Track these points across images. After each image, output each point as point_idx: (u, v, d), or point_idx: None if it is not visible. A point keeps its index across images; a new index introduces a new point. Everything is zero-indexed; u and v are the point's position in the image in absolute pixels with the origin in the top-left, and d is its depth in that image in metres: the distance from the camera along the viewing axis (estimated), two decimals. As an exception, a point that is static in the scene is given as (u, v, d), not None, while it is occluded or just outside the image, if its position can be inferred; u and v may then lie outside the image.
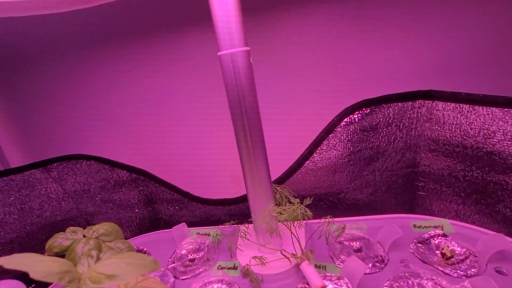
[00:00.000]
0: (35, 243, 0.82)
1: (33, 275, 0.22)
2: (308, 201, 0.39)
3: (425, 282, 0.35)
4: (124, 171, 0.79)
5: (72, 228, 0.46)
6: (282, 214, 0.37)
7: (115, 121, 0.86)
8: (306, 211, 0.38)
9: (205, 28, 0.72)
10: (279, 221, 0.37)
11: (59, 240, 0.41)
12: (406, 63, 0.68)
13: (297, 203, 0.39)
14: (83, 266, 0.30)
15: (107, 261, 0.27)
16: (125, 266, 0.27)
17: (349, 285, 0.37)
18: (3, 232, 0.76)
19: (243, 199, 0.72)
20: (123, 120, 0.85)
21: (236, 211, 0.74)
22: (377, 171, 0.68)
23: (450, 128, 0.58)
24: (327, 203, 0.71)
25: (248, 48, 0.35)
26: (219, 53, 0.36)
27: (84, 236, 0.43)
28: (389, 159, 0.67)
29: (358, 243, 0.44)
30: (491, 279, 0.31)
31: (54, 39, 0.79)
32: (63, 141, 0.90)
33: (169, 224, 0.68)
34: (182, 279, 0.45)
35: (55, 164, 0.75)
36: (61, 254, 0.40)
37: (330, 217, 0.39)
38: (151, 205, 0.85)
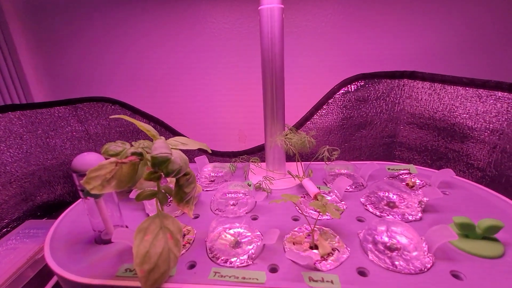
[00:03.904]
0: (52, 178, 0.89)
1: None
2: (313, 132, 0.51)
3: (391, 195, 0.49)
4: (144, 120, 0.88)
5: (119, 140, 0.57)
6: (292, 139, 0.49)
7: (139, 72, 0.94)
8: (310, 139, 0.50)
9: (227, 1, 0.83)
10: (290, 144, 0.49)
11: (112, 147, 0.52)
12: (399, 48, 0.82)
13: (304, 134, 0.51)
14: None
15: (179, 136, 0.39)
16: (190, 141, 0.38)
17: (337, 194, 0.50)
18: (27, 164, 0.82)
19: (248, 152, 0.84)
20: (146, 72, 0.94)
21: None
22: (363, 137, 0.82)
23: (425, 103, 0.72)
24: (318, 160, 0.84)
25: (282, 6, 0.47)
26: (260, 7, 0.47)
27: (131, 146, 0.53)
28: (375, 128, 0.80)
29: (345, 175, 0.57)
30: (436, 188, 0.45)
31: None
32: (88, 85, 0.97)
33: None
34: (206, 190, 0.56)
35: (84, 103, 0.83)
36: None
37: (328, 147, 0.52)
38: (163, 154, 0.95)
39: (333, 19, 0.82)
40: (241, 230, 0.42)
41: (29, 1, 0.90)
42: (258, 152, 0.81)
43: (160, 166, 0.31)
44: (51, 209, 0.88)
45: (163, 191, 0.38)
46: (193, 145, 0.38)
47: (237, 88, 0.91)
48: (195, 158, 0.66)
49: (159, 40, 0.91)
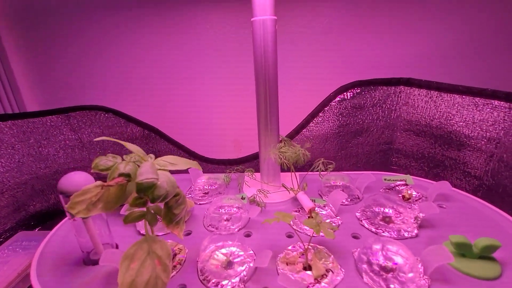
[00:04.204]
0: (45, 187, 0.87)
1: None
2: (308, 144, 0.50)
3: (387, 209, 0.48)
4: (138, 128, 0.86)
5: (111, 154, 0.55)
6: (287, 152, 0.48)
7: (134, 80, 0.93)
8: (305, 152, 0.49)
9: (223, 9, 0.81)
10: (284, 158, 0.48)
11: (103, 161, 0.50)
12: (397, 54, 0.81)
13: (299, 147, 0.50)
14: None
15: (168, 156, 0.38)
16: (179, 160, 0.37)
17: (333, 209, 0.49)
18: (19, 173, 0.81)
19: (243, 160, 0.83)
20: (140, 79, 0.93)
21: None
22: (360, 144, 0.81)
23: (422, 110, 0.71)
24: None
25: (275, 17, 0.45)
26: (252, 19, 0.45)
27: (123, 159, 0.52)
28: (371, 135, 0.80)
29: (341, 187, 0.56)
30: (433, 203, 0.44)
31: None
32: (81, 92, 0.96)
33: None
34: (199, 204, 0.55)
35: (76, 112, 0.81)
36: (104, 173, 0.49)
37: (323, 159, 0.51)
38: (158, 161, 0.94)
39: (329, 26, 0.81)
40: (234, 249, 0.42)
41: (20, 9, 0.88)
42: (253, 160, 0.80)
43: (146, 192, 0.30)
44: (45, 218, 0.87)
45: (152, 211, 0.37)
46: (183, 165, 0.37)
47: (233, 94, 0.90)
48: (189, 169, 0.65)
49: (154, 47, 0.89)
